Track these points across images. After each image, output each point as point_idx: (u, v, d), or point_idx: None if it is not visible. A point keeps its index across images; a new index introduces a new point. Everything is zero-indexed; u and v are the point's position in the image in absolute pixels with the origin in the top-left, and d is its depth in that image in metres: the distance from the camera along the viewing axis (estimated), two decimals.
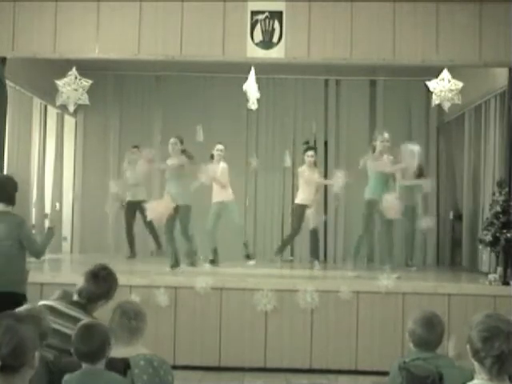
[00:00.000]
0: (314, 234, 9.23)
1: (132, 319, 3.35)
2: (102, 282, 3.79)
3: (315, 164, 9.03)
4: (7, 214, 5.12)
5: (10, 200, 5.17)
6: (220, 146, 8.94)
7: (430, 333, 3.39)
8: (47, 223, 5.49)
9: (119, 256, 10.18)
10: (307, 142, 9.63)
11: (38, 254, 5.30)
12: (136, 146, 9.92)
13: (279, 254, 9.29)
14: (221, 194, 8.83)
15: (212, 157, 8.90)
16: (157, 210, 7.82)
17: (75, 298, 3.84)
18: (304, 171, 8.83)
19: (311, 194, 8.87)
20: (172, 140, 8.04)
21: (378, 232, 9.01)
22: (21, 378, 2.06)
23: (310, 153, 8.90)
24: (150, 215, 7.91)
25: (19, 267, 5.14)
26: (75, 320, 3.58)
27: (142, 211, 9.69)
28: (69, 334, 3.49)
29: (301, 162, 9.19)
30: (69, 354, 3.43)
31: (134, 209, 9.75)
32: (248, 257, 8.95)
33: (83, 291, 3.78)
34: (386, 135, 8.19)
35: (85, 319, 3.58)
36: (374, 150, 8.26)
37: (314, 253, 9.22)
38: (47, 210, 10.55)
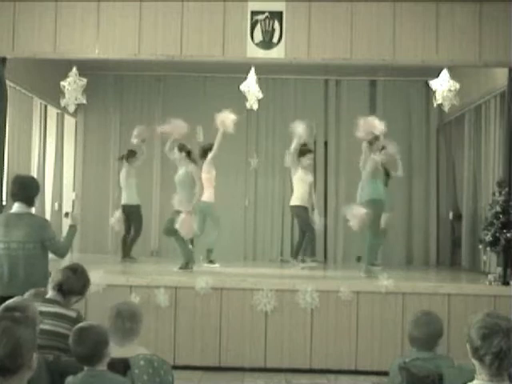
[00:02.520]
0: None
1: (126, 321, 3.36)
2: (80, 276, 3.98)
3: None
4: (28, 215, 4.93)
5: (29, 201, 4.96)
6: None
7: (419, 331, 3.39)
8: (69, 221, 5.32)
9: (119, 256, 10.19)
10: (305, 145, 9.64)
11: (63, 254, 5.11)
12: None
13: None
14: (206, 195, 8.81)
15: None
16: (186, 225, 7.78)
17: (50, 294, 3.92)
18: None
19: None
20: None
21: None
22: (19, 380, 2.05)
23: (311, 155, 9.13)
24: (180, 228, 7.79)
25: (42, 270, 4.92)
26: (57, 315, 3.68)
27: (135, 215, 9.63)
28: (55, 331, 3.53)
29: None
30: (59, 350, 3.47)
31: (127, 212, 9.66)
32: (211, 262, 8.86)
33: (64, 284, 3.88)
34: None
35: (68, 312, 3.78)
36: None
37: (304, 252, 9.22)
38: (66, 208, 10.59)
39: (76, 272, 3.96)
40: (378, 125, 7.82)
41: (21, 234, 4.82)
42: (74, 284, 3.92)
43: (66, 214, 5.39)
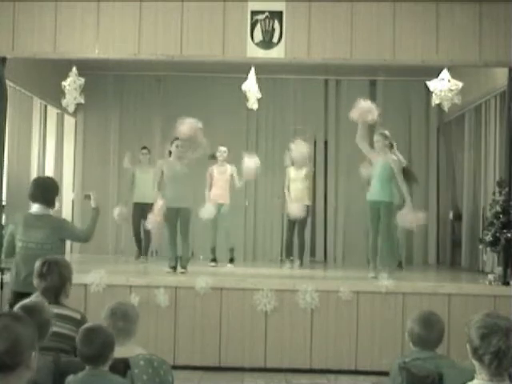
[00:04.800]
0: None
1: (119, 320, 3.35)
2: (48, 276, 3.89)
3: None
4: (46, 217, 4.99)
5: (49, 202, 5.02)
6: (223, 148, 9.05)
7: (429, 331, 3.40)
8: (92, 204, 5.32)
9: (119, 256, 10.20)
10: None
11: (87, 239, 5.25)
12: (145, 147, 9.87)
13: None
14: (220, 196, 8.94)
15: (214, 157, 9.02)
16: (153, 219, 7.76)
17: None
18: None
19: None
20: (178, 142, 7.94)
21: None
22: (17, 378, 2.05)
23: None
24: (149, 226, 7.89)
25: None
26: (62, 317, 3.68)
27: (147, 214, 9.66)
28: (59, 332, 3.54)
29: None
30: (62, 351, 3.46)
31: (140, 210, 9.67)
32: (231, 260, 9.10)
33: (45, 292, 3.86)
34: (387, 133, 7.91)
35: (73, 314, 3.77)
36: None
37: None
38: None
39: (42, 275, 3.88)
40: (372, 110, 7.60)
41: (39, 235, 4.90)
42: (49, 287, 3.87)
43: (86, 197, 5.35)
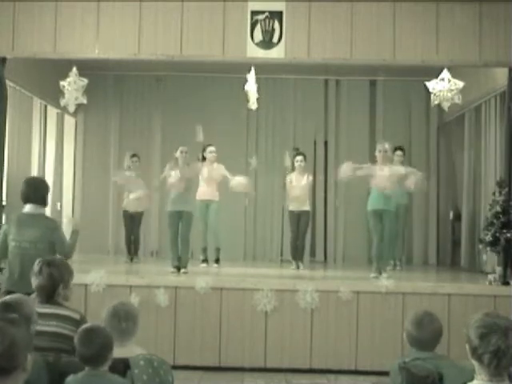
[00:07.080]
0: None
1: (122, 321, 3.36)
2: (40, 276, 3.88)
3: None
4: (40, 216, 5.02)
5: (42, 202, 5.06)
6: (212, 148, 8.98)
7: (421, 332, 3.38)
8: (73, 226, 5.34)
9: (118, 256, 10.19)
10: (297, 149, 9.69)
11: (69, 256, 5.17)
12: (135, 155, 9.69)
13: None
14: (209, 193, 8.91)
15: (204, 159, 8.96)
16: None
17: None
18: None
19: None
20: (183, 148, 7.99)
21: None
22: (14, 381, 2.04)
23: (299, 158, 8.94)
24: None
25: None
26: (61, 317, 3.66)
27: (136, 220, 9.64)
28: (58, 332, 3.53)
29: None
30: (62, 351, 3.46)
31: (130, 216, 9.63)
32: (217, 261, 9.05)
33: (40, 292, 3.84)
34: (386, 145, 7.89)
35: (72, 314, 3.73)
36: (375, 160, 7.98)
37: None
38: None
39: (41, 273, 3.85)
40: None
41: (33, 234, 4.91)
42: (46, 285, 3.85)
43: (67, 217, 5.42)
